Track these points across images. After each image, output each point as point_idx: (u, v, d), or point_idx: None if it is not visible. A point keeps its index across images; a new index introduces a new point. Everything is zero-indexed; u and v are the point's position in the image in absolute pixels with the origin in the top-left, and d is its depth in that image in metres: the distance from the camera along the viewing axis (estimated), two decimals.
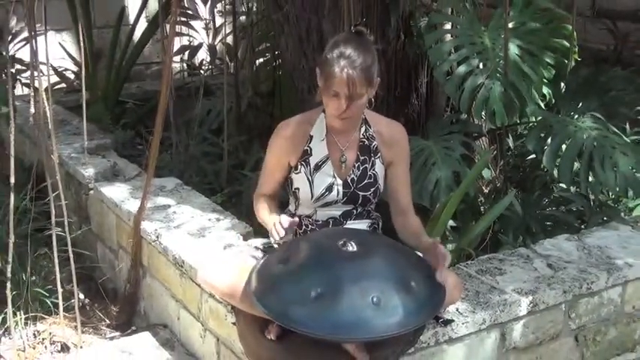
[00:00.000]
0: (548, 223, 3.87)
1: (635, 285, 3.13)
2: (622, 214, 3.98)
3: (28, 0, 2.96)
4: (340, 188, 2.69)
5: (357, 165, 2.72)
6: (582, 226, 3.77)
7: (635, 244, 3.27)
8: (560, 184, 4.10)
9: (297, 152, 2.69)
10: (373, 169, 2.74)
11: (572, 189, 4.00)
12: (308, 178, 2.67)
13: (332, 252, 2.40)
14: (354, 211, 2.75)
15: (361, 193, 2.72)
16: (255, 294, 2.37)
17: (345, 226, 2.72)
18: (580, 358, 3.07)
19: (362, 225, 2.76)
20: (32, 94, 3.09)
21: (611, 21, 7.04)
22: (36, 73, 3.12)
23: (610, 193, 4.05)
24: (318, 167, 2.68)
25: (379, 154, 2.75)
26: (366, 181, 2.73)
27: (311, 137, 2.69)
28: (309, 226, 2.74)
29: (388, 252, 2.49)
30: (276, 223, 2.50)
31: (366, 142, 2.74)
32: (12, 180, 2.85)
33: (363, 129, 2.73)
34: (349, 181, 2.71)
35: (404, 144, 2.80)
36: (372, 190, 2.74)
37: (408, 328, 2.31)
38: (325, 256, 2.40)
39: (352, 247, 2.42)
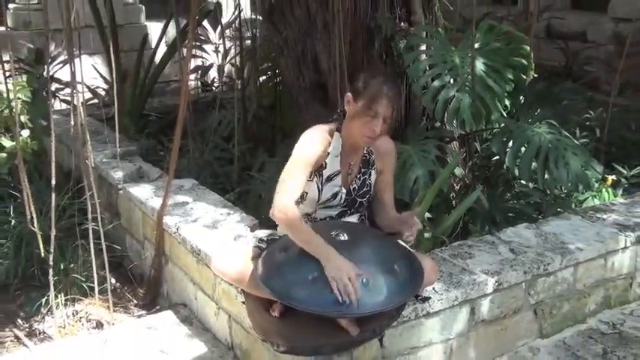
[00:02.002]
0: (510, 214, 3.86)
1: (585, 266, 3.14)
2: (573, 205, 3.99)
3: (67, 29, 2.96)
4: (344, 195, 2.69)
5: (358, 176, 2.72)
6: (539, 217, 3.77)
7: (585, 232, 3.28)
8: (521, 181, 4.10)
9: (318, 163, 2.62)
10: (369, 179, 2.74)
11: (531, 185, 4.00)
12: (318, 187, 2.64)
13: (326, 241, 2.40)
14: (348, 212, 2.74)
15: (359, 200, 2.73)
16: (261, 278, 2.38)
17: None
18: (539, 329, 3.08)
19: (352, 218, 2.76)
20: (72, 109, 3.09)
21: (562, 41, 7.06)
22: (74, 91, 3.12)
23: (563, 188, 4.05)
24: (329, 179, 2.66)
25: (375, 166, 2.76)
26: (364, 189, 2.73)
27: (328, 153, 2.65)
28: (308, 222, 2.73)
29: (375, 241, 2.50)
30: (351, 285, 2.25)
31: (367, 156, 2.74)
32: (53, 182, 2.84)
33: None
34: (351, 189, 2.71)
35: (393, 155, 2.81)
36: (367, 196, 2.75)
37: (392, 305, 2.32)
38: None
39: (343, 236, 2.43)
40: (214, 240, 3.15)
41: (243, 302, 2.70)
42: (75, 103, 3.08)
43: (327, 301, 2.25)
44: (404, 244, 2.54)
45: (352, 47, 4.00)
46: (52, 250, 2.98)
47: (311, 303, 2.26)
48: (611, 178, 4.23)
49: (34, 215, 2.99)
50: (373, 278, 2.29)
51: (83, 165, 3.12)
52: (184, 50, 4.93)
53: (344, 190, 2.68)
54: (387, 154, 2.77)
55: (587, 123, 5.02)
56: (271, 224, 2.95)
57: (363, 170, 2.73)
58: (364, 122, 2.53)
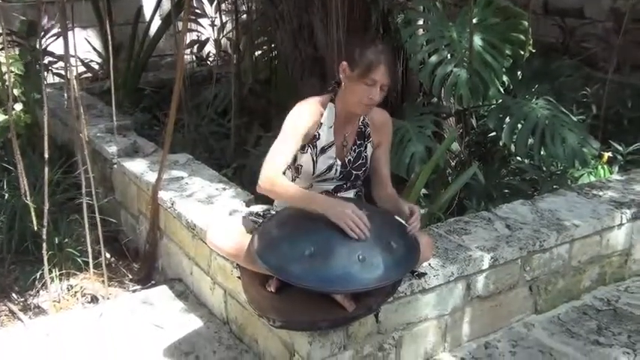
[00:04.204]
0: (506, 190, 3.87)
1: (581, 242, 3.14)
2: (569, 182, 3.98)
3: (60, 1, 2.91)
4: (339, 168, 2.67)
5: (353, 148, 2.71)
6: (535, 193, 3.77)
7: (581, 208, 3.27)
8: (517, 157, 4.09)
9: (310, 135, 2.62)
10: (365, 152, 2.73)
11: (527, 161, 3.99)
12: (313, 159, 2.63)
13: (322, 216, 2.39)
14: (345, 186, 2.73)
15: (355, 172, 2.71)
16: (257, 253, 2.36)
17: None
18: (533, 305, 3.08)
19: (349, 194, 2.74)
20: (66, 83, 3.05)
21: (560, 17, 7.00)
22: (67, 65, 3.08)
23: (559, 165, 4.05)
24: (323, 150, 2.64)
25: (370, 139, 2.74)
26: (359, 162, 2.72)
27: (321, 124, 2.64)
28: None
29: (372, 217, 2.47)
30: (357, 218, 2.30)
31: (363, 128, 2.73)
32: (46, 155, 2.81)
33: (361, 118, 2.71)
34: (346, 162, 2.69)
35: (389, 128, 2.79)
36: (363, 169, 2.73)
37: (388, 281, 2.32)
38: (317, 220, 2.39)
39: None
40: (209, 215, 3.13)
41: (239, 277, 2.70)
42: (68, 76, 3.05)
43: (323, 276, 2.24)
44: (399, 219, 2.53)
45: (349, 21, 3.94)
46: (45, 225, 2.95)
47: (307, 278, 2.24)
48: (607, 154, 4.23)
49: (27, 189, 2.97)
50: (370, 254, 2.28)
51: (77, 139, 3.09)
52: (179, 24, 4.88)
53: (339, 162, 2.66)
54: (382, 127, 2.76)
55: (584, 100, 5.00)
56: (267, 199, 2.94)
57: (358, 142, 2.71)
58: (362, 90, 2.51)
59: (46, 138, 2.86)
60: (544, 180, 3.91)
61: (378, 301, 2.44)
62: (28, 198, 2.96)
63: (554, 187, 3.78)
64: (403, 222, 2.51)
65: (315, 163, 2.62)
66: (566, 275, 3.14)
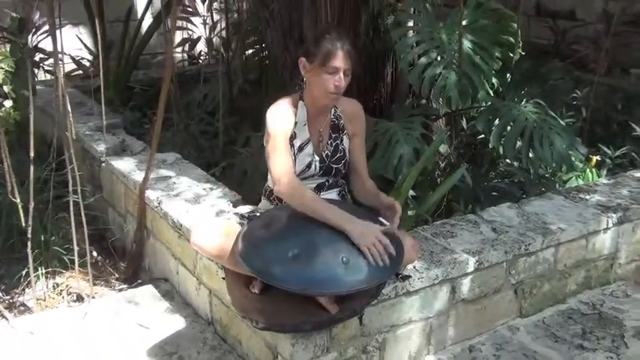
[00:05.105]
0: (494, 193, 3.86)
1: (567, 247, 3.14)
2: (557, 185, 3.98)
3: None
4: (317, 164, 2.67)
5: (329, 142, 2.70)
6: (524, 196, 3.76)
7: (567, 212, 3.27)
8: (506, 160, 4.09)
9: (288, 134, 2.63)
10: (342, 144, 2.73)
11: (516, 164, 3.99)
12: (292, 158, 2.62)
13: (307, 218, 2.38)
14: (326, 183, 2.72)
15: (334, 166, 2.71)
16: (240, 254, 2.35)
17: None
18: (518, 308, 3.08)
19: (332, 194, 2.73)
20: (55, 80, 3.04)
21: (552, 19, 7.01)
22: (56, 62, 3.07)
23: (548, 168, 4.04)
24: (301, 149, 2.65)
25: (345, 131, 2.75)
26: (338, 155, 2.71)
27: (296, 123, 2.64)
28: None
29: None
30: (382, 245, 2.31)
31: (336, 121, 2.73)
32: (32, 154, 2.80)
33: (332, 110, 2.72)
34: (324, 156, 2.69)
35: (362, 118, 2.80)
36: (342, 162, 2.73)
37: (371, 284, 2.31)
38: (301, 222, 2.39)
39: None
40: (195, 215, 3.12)
41: (224, 278, 2.68)
42: (56, 74, 3.04)
43: (306, 278, 2.23)
44: (384, 220, 2.52)
45: (339, 22, 3.94)
46: (30, 223, 2.94)
47: (289, 281, 2.24)
48: (595, 158, 4.23)
49: (15, 186, 2.96)
50: (353, 256, 2.28)
51: (65, 137, 3.08)
52: (169, 22, 4.86)
53: (317, 158, 2.67)
54: (355, 117, 2.77)
55: (574, 102, 5.00)
56: (254, 200, 2.93)
57: (333, 136, 2.71)
58: (325, 80, 2.53)
59: (31, 136, 2.86)
60: (531, 183, 3.90)
61: (362, 304, 2.43)
62: (16, 196, 2.96)
63: (542, 190, 3.77)
64: (385, 222, 2.50)
65: (294, 161, 2.62)
66: (551, 279, 3.14)
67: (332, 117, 2.72)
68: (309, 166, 2.65)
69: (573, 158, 3.79)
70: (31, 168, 2.82)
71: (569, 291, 3.24)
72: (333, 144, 2.71)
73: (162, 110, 3.38)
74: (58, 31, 5.63)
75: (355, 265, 2.27)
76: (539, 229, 3.08)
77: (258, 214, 2.65)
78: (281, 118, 2.60)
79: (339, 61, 2.51)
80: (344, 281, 2.25)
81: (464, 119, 4.42)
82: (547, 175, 4.10)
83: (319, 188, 2.71)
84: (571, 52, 6.34)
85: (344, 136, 2.74)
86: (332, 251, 2.29)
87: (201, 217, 3.08)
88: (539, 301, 3.13)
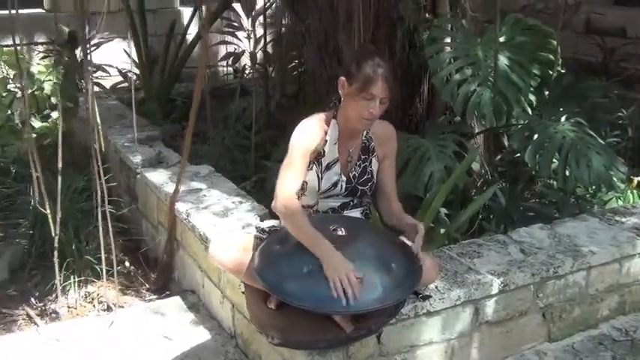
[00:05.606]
0: (529, 213, 3.76)
1: (599, 270, 3.03)
2: (597, 207, 3.86)
3: (79, 12, 2.97)
4: (344, 184, 2.64)
5: (358, 163, 2.67)
6: (558, 217, 3.66)
7: (601, 234, 3.16)
8: (545, 179, 3.99)
9: (315, 152, 2.60)
10: (371, 166, 2.69)
11: (554, 184, 3.89)
12: (318, 175, 2.60)
13: (324, 235, 2.36)
14: (351, 203, 2.69)
15: (360, 187, 2.67)
16: (255, 270, 2.35)
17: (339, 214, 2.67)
18: (547, 332, 2.99)
19: (356, 213, 2.70)
20: (84, 94, 3.11)
21: (600, 37, 6.86)
22: (90, 76, 3.15)
23: (588, 188, 3.93)
24: (328, 167, 2.62)
25: (375, 153, 2.71)
26: (365, 177, 2.68)
27: (326, 141, 2.62)
28: (311, 214, 2.69)
29: (372, 237, 2.45)
30: (349, 284, 2.22)
31: (367, 143, 2.69)
32: (59, 165, 2.86)
33: (364, 132, 2.68)
34: (352, 177, 2.66)
35: (394, 141, 2.75)
36: (369, 184, 2.69)
37: (386, 303, 2.27)
38: None
39: (341, 231, 2.39)
40: (221, 228, 3.13)
41: (243, 292, 2.68)
42: (88, 87, 3.11)
43: (319, 296, 2.21)
44: (404, 239, 2.48)
45: (374, 38, 3.93)
46: (57, 232, 3.00)
47: (303, 298, 2.22)
48: (637, 179, 4.09)
49: (45, 196, 3.02)
50: (368, 275, 2.25)
51: (98, 148, 3.13)
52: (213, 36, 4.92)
53: (344, 178, 2.63)
54: (387, 140, 2.72)
55: (620, 122, 4.86)
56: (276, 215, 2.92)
57: (363, 157, 2.68)
58: (361, 105, 2.49)
59: (60, 149, 2.93)
60: (568, 203, 3.80)
61: (378, 323, 2.39)
62: (46, 207, 3.02)
63: (577, 211, 3.67)
64: (407, 242, 2.46)
65: (320, 179, 2.60)
66: (582, 303, 3.04)
67: (363, 138, 2.69)
68: (335, 184, 2.63)
69: (615, 178, 3.68)
70: (59, 179, 2.88)
71: (602, 316, 3.13)
72: (362, 165, 2.68)
73: (193, 123, 3.42)
74: (103, 45, 5.76)
75: (369, 283, 2.24)
76: (570, 251, 2.99)
77: (277, 228, 2.64)
78: (307, 134, 2.57)
79: (378, 89, 2.46)
80: (358, 300, 2.22)
81: (505, 136, 4.33)
82: (587, 196, 3.98)
83: (343, 207, 2.68)
84: (619, 69, 6.20)
85: (373, 159, 2.70)
86: None
87: (220, 230, 3.09)
88: (569, 326, 3.03)
